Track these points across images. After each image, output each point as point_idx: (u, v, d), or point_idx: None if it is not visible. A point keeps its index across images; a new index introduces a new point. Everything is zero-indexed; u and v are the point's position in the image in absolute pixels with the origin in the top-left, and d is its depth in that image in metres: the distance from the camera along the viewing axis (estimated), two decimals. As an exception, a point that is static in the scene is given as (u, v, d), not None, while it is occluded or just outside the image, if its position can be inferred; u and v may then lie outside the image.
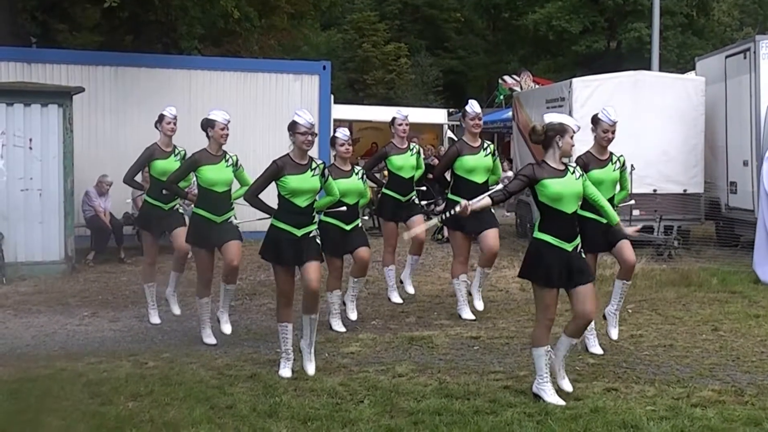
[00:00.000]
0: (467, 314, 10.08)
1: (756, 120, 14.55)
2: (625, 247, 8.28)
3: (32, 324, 9.93)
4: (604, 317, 8.63)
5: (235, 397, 6.91)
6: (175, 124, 9.86)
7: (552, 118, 6.94)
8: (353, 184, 9.20)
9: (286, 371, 7.61)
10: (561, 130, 6.79)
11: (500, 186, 7.67)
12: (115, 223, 14.61)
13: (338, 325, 9.56)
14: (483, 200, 7.06)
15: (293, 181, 7.50)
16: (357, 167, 9.64)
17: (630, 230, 7.83)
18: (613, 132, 8.18)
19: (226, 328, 8.99)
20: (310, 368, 7.71)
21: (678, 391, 7.02)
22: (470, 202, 6.97)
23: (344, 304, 9.87)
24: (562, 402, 6.69)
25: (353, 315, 9.88)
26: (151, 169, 9.88)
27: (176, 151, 9.84)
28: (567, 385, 7.00)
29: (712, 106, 15.85)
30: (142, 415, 6.43)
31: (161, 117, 9.87)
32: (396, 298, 10.84)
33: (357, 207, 9.53)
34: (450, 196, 9.96)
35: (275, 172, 7.53)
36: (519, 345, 8.70)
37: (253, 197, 7.73)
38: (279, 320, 7.75)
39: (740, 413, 6.42)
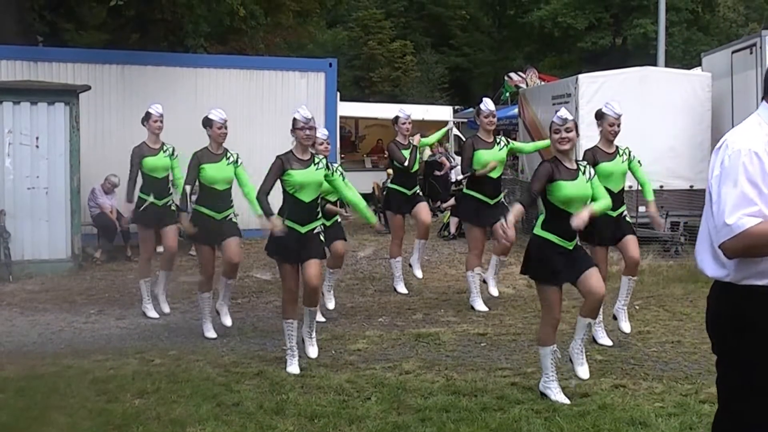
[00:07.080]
0: (480, 306, 10.25)
1: (763, 116, 14.48)
2: (630, 242, 8.34)
3: (39, 322, 9.93)
4: (614, 317, 8.67)
5: (241, 394, 6.91)
6: (161, 122, 9.99)
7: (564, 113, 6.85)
8: None
9: (293, 368, 7.62)
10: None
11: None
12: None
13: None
14: (514, 210, 6.67)
15: (299, 175, 7.54)
16: (334, 165, 9.76)
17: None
18: (619, 125, 8.32)
19: (227, 321, 9.13)
20: (312, 351, 7.88)
21: (686, 388, 7.00)
22: (507, 222, 6.59)
23: (323, 294, 9.82)
24: (567, 400, 6.66)
25: (331, 305, 10.04)
26: (141, 167, 9.93)
27: (164, 148, 9.98)
28: (584, 372, 6.99)
29: (719, 101, 15.78)
30: (148, 412, 6.43)
31: (148, 115, 9.97)
32: (402, 289, 11.26)
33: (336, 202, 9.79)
34: (465, 190, 10.33)
35: (280, 166, 7.56)
36: (526, 341, 8.69)
37: (263, 196, 7.51)
38: (284, 317, 7.77)
39: (748, 409, 6.39)
